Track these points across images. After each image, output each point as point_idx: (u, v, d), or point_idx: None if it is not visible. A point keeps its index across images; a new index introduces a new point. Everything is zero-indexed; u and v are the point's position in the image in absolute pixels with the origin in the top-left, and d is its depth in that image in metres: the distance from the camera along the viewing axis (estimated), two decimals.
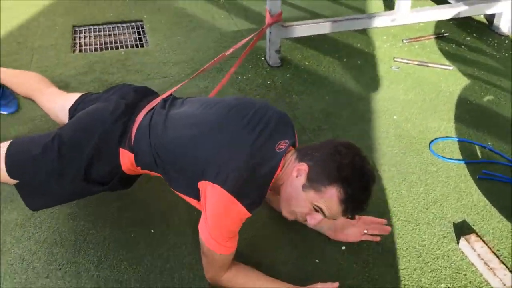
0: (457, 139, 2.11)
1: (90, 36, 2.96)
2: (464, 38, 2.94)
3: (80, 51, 2.81)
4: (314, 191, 1.33)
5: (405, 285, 1.51)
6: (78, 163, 1.48)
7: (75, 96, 1.74)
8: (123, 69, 2.60)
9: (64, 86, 2.40)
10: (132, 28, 3.07)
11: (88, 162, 1.48)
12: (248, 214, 1.33)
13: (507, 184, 1.87)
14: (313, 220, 1.38)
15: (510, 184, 1.87)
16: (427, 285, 1.51)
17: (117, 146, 1.50)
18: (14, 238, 1.64)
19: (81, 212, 1.73)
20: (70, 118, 1.68)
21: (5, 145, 1.53)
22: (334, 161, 1.32)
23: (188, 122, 1.48)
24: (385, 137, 2.13)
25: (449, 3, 3.01)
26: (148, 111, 1.55)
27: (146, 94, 1.69)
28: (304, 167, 1.35)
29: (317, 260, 1.59)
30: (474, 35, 2.97)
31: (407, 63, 2.67)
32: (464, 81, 2.52)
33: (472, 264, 1.57)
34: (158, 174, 1.52)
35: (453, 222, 1.72)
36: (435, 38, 2.93)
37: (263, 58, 2.70)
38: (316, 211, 1.36)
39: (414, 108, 2.32)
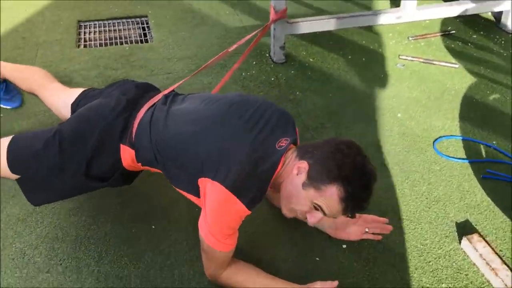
0: (461, 137, 2.09)
1: (95, 32, 2.97)
2: (471, 35, 2.91)
3: (85, 46, 2.81)
4: (314, 189, 1.32)
5: (405, 284, 1.50)
6: (79, 158, 1.48)
7: (77, 91, 1.75)
8: (127, 65, 2.60)
9: (68, 81, 2.41)
10: (137, 24, 3.07)
11: (89, 158, 1.48)
12: (248, 212, 1.33)
13: (511, 183, 1.85)
14: (313, 219, 1.37)
15: None
16: (428, 285, 1.50)
17: (118, 142, 1.50)
18: (16, 233, 1.64)
19: (83, 207, 1.74)
20: (72, 113, 1.69)
21: (6, 140, 1.54)
22: (335, 159, 1.32)
23: (190, 118, 1.47)
24: (389, 135, 2.11)
25: (456, 0, 2.98)
26: (150, 107, 1.55)
27: (148, 90, 1.69)
28: (304, 165, 1.35)
29: (317, 258, 1.58)
30: (481, 32, 2.94)
31: (412, 60, 2.65)
32: (470, 79, 2.50)
33: (474, 264, 1.56)
34: (159, 171, 1.51)
35: (456, 222, 1.71)
36: (441, 35, 2.91)
37: (267, 55, 2.69)
38: (316, 209, 1.35)
39: (419, 106, 2.30)
